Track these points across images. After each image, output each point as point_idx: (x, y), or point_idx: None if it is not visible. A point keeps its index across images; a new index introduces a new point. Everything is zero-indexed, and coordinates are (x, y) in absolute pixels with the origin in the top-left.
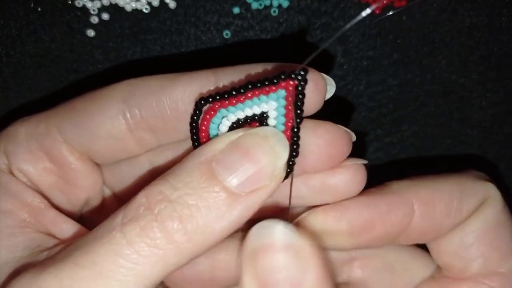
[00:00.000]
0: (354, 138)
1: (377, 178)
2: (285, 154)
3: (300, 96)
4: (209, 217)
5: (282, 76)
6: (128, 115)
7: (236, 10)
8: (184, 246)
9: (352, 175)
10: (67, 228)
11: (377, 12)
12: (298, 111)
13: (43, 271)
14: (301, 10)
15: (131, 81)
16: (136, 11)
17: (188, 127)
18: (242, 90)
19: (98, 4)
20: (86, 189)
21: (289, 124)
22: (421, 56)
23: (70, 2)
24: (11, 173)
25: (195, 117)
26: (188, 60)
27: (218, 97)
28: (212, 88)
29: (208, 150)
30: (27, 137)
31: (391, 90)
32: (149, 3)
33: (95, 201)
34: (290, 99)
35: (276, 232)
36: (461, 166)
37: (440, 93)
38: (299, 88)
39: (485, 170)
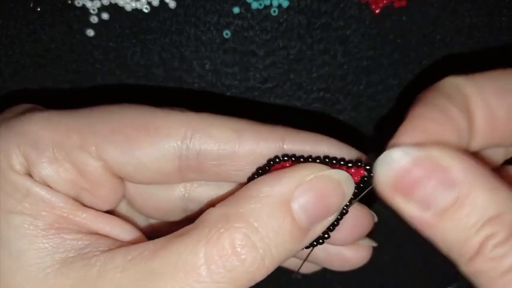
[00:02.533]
0: (376, 220)
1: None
2: (349, 197)
3: (361, 185)
4: (285, 254)
5: (359, 164)
6: (184, 157)
7: (236, 10)
8: (260, 279)
9: (364, 253)
10: (113, 226)
11: (377, 12)
12: (353, 196)
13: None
14: (301, 10)
15: (194, 118)
16: (136, 11)
17: (243, 179)
18: (317, 161)
19: (98, 4)
20: (109, 202)
21: None
22: (421, 56)
23: (70, 2)
24: (31, 177)
25: (260, 171)
26: (188, 60)
27: (293, 158)
28: (277, 153)
29: (286, 190)
30: (54, 146)
31: (391, 90)
32: (149, 3)
33: (112, 209)
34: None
35: (399, 155)
36: None
37: None
38: (365, 179)
39: None
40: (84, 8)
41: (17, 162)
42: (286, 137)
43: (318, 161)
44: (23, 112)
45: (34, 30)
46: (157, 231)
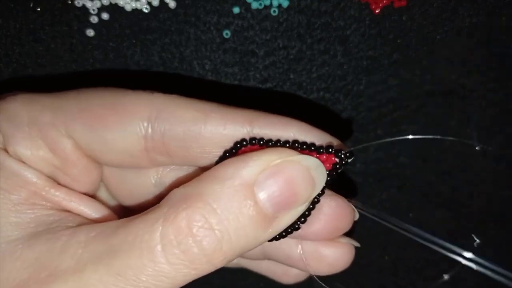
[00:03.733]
0: (357, 217)
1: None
2: (321, 186)
3: (334, 173)
4: (245, 240)
5: (330, 150)
6: (150, 137)
7: (236, 10)
8: (218, 263)
9: (344, 252)
10: (84, 204)
11: (377, 12)
12: (324, 185)
13: (71, 273)
14: (301, 10)
15: (159, 99)
16: (136, 11)
17: (211, 163)
18: (287, 145)
19: (98, 4)
20: (85, 185)
21: None
22: (421, 56)
23: (70, 2)
24: (7, 152)
25: (227, 154)
26: (188, 60)
27: (261, 142)
28: (245, 136)
29: (248, 171)
30: (28, 122)
31: (391, 90)
32: (149, 3)
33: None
34: None
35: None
36: (461, 166)
37: (440, 93)
38: (337, 166)
39: (485, 170)
40: (84, 8)
41: None
42: (255, 120)
43: (287, 145)
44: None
45: (34, 30)
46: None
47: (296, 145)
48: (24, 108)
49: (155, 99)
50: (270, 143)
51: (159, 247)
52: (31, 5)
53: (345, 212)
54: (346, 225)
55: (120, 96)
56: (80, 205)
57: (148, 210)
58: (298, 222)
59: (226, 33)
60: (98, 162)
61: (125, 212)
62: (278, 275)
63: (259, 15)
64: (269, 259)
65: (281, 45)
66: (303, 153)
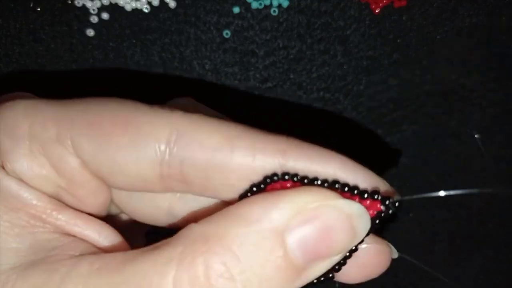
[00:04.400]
0: (395, 256)
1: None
2: (362, 236)
3: (376, 222)
4: None
5: (376, 196)
6: (166, 164)
7: (236, 10)
8: None
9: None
10: (92, 229)
11: (377, 12)
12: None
13: None
14: (301, 10)
15: (180, 120)
16: (136, 11)
17: (234, 197)
18: (325, 184)
19: (98, 4)
20: (93, 207)
21: None
22: (421, 56)
23: (70, 2)
24: (4, 170)
25: (254, 189)
26: (188, 60)
27: (295, 179)
28: (277, 169)
29: (281, 217)
30: (30, 135)
31: (391, 90)
32: (149, 3)
33: (99, 214)
34: None
35: None
36: (461, 166)
37: (440, 93)
38: (382, 215)
39: (485, 170)
40: (84, 8)
41: None
42: (288, 151)
43: (326, 185)
44: (12, 99)
45: (34, 30)
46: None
47: (336, 186)
48: (25, 119)
49: (174, 119)
50: (305, 180)
51: None
52: (31, 5)
53: (384, 259)
54: (383, 270)
55: (134, 111)
56: (86, 229)
57: (158, 245)
58: (332, 272)
59: (226, 33)
60: (107, 184)
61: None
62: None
63: (259, 15)
64: None
65: (281, 45)
66: (344, 196)
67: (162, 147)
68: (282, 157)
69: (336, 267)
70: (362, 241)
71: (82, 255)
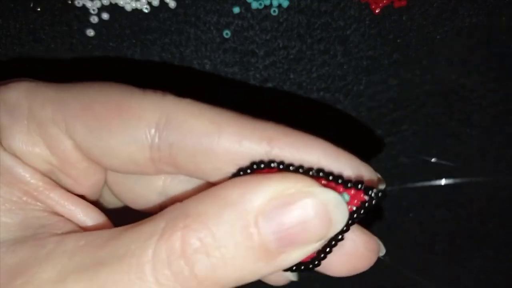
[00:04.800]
0: (383, 252)
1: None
2: (339, 227)
3: (362, 212)
4: (242, 272)
5: (359, 186)
6: (156, 147)
7: (236, 10)
8: None
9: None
10: (78, 210)
11: (377, 12)
12: (346, 226)
13: (69, 274)
14: (301, 10)
15: (169, 104)
16: (136, 11)
17: (221, 178)
18: (311, 173)
19: (98, 4)
20: (86, 187)
21: None
22: (421, 56)
23: (70, 2)
24: (1, 145)
25: (241, 173)
26: (188, 60)
27: (281, 166)
28: (263, 156)
29: (256, 197)
30: (28, 115)
31: (391, 90)
32: (149, 3)
33: (92, 196)
34: (348, 207)
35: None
36: (461, 166)
37: (440, 93)
38: (366, 205)
39: (485, 170)
40: (84, 8)
41: None
42: (274, 138)
43: (310, 173)
44: (15, 82)
45: (34, 30)
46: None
47: (321, 174)
48: (26, 99)
49: (165, 103)
50: (290, 168)
51: (149, 265)
52: (31, 5)
53: (371, 253)
54: (369, 264)
55: (126, 96)
56: (73, 210)
57: (143, 221)
58: (319, 260)
59: (226, 33)
60: (97, 165)
61: (130, 214)
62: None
63: (259, 15)
64: None
65: (281, 45)
66: (326, 186)
67: (152, 131)
68: (268, 144)
69: (322, 255)
70: (347, 230)
71: (68, 232)
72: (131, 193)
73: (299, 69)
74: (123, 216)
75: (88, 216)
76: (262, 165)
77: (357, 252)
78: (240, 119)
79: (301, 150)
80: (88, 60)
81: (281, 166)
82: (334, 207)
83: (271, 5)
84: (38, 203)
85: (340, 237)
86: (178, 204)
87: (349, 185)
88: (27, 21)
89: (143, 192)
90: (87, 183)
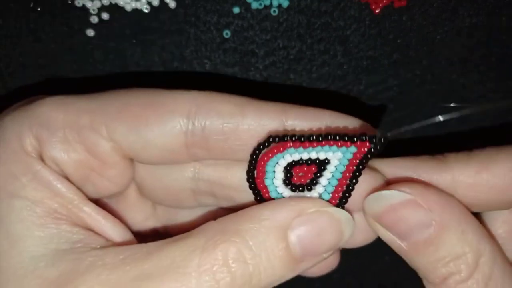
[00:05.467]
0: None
1: None
2: (348, 237)
3: (369, 157)
4: (272, 279)
5: (364, 138)
6: (190, 132)
7: (236, 10)
8: None
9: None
10: (108, 225)
11: (377, 12)
12: (358, 171)
13: (112, 286)
14: (301, 10)
15: (199, 95)
16: (136, 11)
17: (248, 156)
18: (320, 138)
19: (98, 4)
20: (119, 185)
21: (347, 175)
22: (421, 56)
23: (70, 2)
24: (42, 160)
25: (261, 146)
26: (188, 60)
27: (294, 138)
28: (280, 127)
29: (285, 217)
30: (64, 126)
31: (391, 90)
32: (149, 3)
33: (120, 192)
34: (357, 155)
35: (390, 196)
36: None
37: (440, 93)
38: (372, 151)
39: None
40: (84, 8)
41: (29, 143)
42: (288, 112)
43: (320, 139)
44: (35, 100)
45: (34, 30)
46: (152, 235)
47: (329, 137)
48: (58, 112)
49: (192, 96)
50: (302, 139)
51: (195, 275)
52: (31, 5)
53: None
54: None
55: (157, 95)
56: (104, 224)
57: (181, 236)
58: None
59: (226, 33)
60: (134, 161)
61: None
62: None
63: (259, 15)
64: None
65: (281, 45)
66: (336, 145)
67: (185, 120)
68: (283, 116)
69: (343, 200)
70: (359, 174)
71: (103, 247)
72: (163, 182)
73: (299, 69)
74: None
75: (115, 230)
76: (277, 139)
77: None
78: (258, 101)
79: (310, 118)
80: (88, 60)
81: (294, 138)
82: (345, 223)
83: (271, 5)
84: (72, 217)
85: (354, 181)
86: (212, 222)
87: (355, 139)
88: (27, 21)
89: (176, 179)
90: (121, 181)
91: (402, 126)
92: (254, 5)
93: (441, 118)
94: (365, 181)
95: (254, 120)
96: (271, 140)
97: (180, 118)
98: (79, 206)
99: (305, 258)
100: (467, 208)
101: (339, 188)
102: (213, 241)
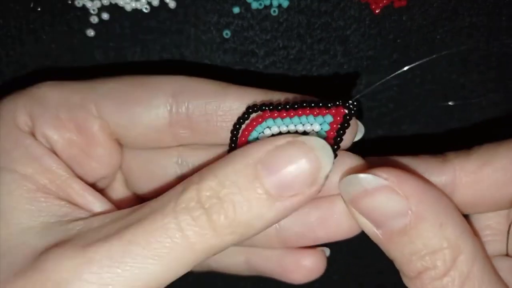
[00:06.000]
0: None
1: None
2: (328, 167)
3: (346, 125)
4: (249, 215)
5: (338, 103)
6: (174, 111)
7: (236, 10)
8: (226, 238)
9: (322, 260)
10: (94, 200)
11: (377, 12)
12: (339, 138)
13: (93, 244)
14: (301, 10)
15: (184, 78)
16: (136, 11)
17: (230, 133)
18: (295, 106)
19: (98, 4)
20: (106, 168)
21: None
22: (421, 56)
23: (70, 2)
24: (33, 136)
25: (241, 120)
26: (188, 60)
27: (270, 107)
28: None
29: (256, 151)
30: (58, 104)
31: (391, 90)
32: (149, 3)
33: (108, 178)
34: (334, 125)
35: (365, 180)
36: None
37: (440, 93)
38: (347, 117)
39: None
40: (84, 8)
41: (22, 119)
42: (269, 93)
43: (296, 106)
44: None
45: (34, 30)
46: None
47: (304, 105)
48: (53, 92)
49: (179, 78)
50: (279, 107)
51: (172, 214)
52: (32, 5)
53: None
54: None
55: (145, 77)
56: (90, 200)
57: (165, 193)
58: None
59: (226, 33)
60: (121, 144)
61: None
62: (288, 271)
63: (259, 15)
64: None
65: (281, 45)
66: (313, 113)
67: (170, 98)
68: (264, 94)
69: (338, 141)
70: (341, 140)
71: (89, 217)
72: (149, 168)
73: (299, 69)
74: None
75: (101, 206)
76: (256, 108)
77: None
78: (241, 86)
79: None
80: (88, 60)
81: (271, 107)
82: (320, 149)
83: (271, 5)
84: (60, 193)
85: (336, 147)
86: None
87: (329, 105)
88: (27, 21)
89: (161, 164)
90: (108, 163)
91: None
92: (254, 5)
93: (405, 68)
94: (343, 162)
95: (237, 99)
96: (250, 110)
97: (165, 96)
98: (67, 182)
99: (282, 193)
100: (463, 210)
101: None
102: (188, 185)
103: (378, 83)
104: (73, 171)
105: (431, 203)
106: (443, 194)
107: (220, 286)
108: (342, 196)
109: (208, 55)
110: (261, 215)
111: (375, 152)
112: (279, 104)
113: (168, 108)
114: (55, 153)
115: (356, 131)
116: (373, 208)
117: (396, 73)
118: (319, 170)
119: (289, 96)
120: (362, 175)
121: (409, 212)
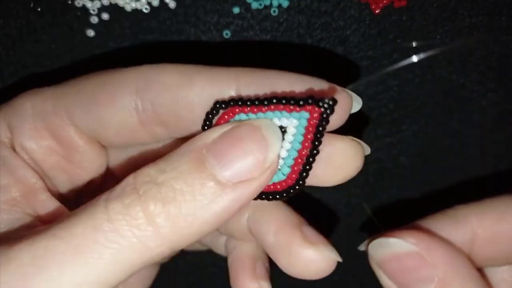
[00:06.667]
0: (368, 151)
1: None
2: (277, 146)
3: (324, 123)
4: (192, 204)
5: (310, 101)
6: (140, 109)
7: (236, 10)
8: (164, 231)
9: (331, 257)
10: (56, 213)
11: (377, 12)
12: (317, 140)
13: (18, 242)
14: (301, 10)
15: (146, 70)
16: (136, 11)
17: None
18: (266, 102)
19: (98, 4)
20: (91, 171)
21: (306, 144)
22: (421, 56)
23: (70, 2)
24: (13, 148)
25: (210, 116)
26: (188, 60)
27: (240, 102)
28: (232, 94)
29: (201, 139)
30: (33, 114)
31: (391, 90)
32: (149, 3)
33: (97, 181)
34: (312, 122)
35: (395, 244)
36: (461, 166)
37: (440, 93)
38: (324, 116)
39: (485, 170)
40: (84, 8)
41: (2, 131)
42: (241, 78)
43: (266, 102)
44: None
45: (34, 30)
46: None
47: (274, 101)
48: (28, 101)
49: (142, 70)
50: (248, 103)
51: (102, 204)
52: (32, 5)
53: (356, 156)
54: (357, 168)
55: (110, 75)
56: (53, 214)
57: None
58: (303, 179)
59: (226, 33)
60: (102, 145)
61: None
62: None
63: (259, 15)
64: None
65: (281, 45)
66: (289, 110)
67: (134, 96)
68: (235, 83)
69: (304, 174)
70: (320, 143)
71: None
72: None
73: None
74: None
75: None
76: (224, 105)
77: (341, 158)
78: (209, 68)
79: (267, 83)
80: (88, 60)
81: (239, 103)
82: (266, 128)
83: (271, 5)
84: (28, 205)
85: (314, 151)
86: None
87: (301, 103)
88: (27, 21)
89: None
90: (91, 167)
91: (402, 183)
92: (254, 5)
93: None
94: (277, 217)
95: (204, 91)
96: (218, 106)
97: (129, 94)
98: (36, 194)
99: (232, 178)
100: (479, 264)
101: (299, 160)
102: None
103: (358, 83)
104: (50, 181)
105: (457, 272)
106: (467, 261)
107: (220, 286)
108: (369, 257)
109: (208, 55)
110: (205, 204)
111: (375, 152)
112: (249, 99)
113: (134, 106)
114: (36, 163)
115: (348, 106)
116: (400, 271)
117: (389, 69)
118: (268, 151)
119: (261, 81)
120: (393, 240)
121: (436, 279)
